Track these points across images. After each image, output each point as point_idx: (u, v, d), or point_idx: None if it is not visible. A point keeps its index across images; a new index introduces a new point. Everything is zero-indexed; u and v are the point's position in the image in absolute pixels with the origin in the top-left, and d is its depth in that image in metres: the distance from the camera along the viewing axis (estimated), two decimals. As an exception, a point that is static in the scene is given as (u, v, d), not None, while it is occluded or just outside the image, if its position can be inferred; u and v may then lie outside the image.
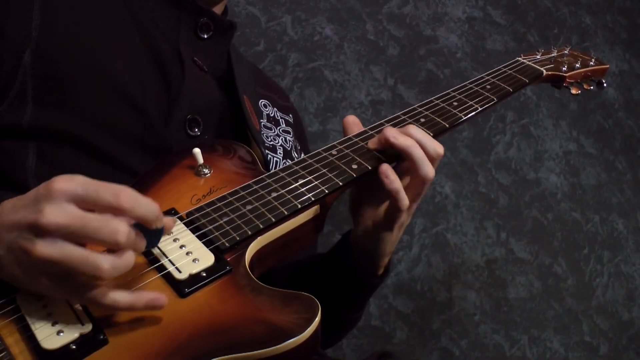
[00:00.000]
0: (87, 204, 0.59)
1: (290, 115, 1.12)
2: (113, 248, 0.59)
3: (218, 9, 0.98)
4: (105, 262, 0.58)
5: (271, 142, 1.01)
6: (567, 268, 2.03)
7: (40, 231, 0.57)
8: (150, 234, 0.63)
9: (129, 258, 0.60)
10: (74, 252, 0.57)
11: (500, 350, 1.85)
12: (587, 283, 2.04)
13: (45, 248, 0.57)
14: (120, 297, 0.61)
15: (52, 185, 0.58)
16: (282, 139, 1.04)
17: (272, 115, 1.07)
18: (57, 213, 0.57)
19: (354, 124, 0.88)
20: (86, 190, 0.58)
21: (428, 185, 0.79)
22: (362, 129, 0.88)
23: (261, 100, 1.07)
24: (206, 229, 0.72)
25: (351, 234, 0.89)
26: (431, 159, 0.79)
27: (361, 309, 0.99)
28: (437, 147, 0.79)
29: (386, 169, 0.78)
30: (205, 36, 0.95)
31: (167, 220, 0.65)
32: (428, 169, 0.78)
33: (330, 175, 0.80)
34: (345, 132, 0.88)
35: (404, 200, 0.78)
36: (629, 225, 2.18)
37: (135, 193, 0.61)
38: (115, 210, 0.59)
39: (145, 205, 0.61)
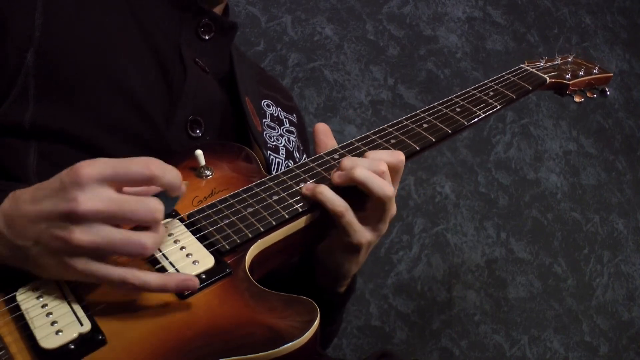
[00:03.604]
0: (119, 183, 0.60)
1: (294, 115, 1.12)
2: (149, 225, 0.61)
3: (218, 9, 0.98)
4: (148, 240, 0.60)
5: (274, 142, 1.00)
6: (567, 268, 2.03)
7: (77, 219, 0.57)
8: (167, 202, 0.64)
9: (164, 231, 0.63)
10: (116, 236, 0.58)
11: (500, 350, 1.85)
12: (587, 283, 2.04)
13: (85, 235, 0.57)
14: (151, 278, 0.62)
15: (78, 171, 0.58)
16: (285, 139, 1.03)
17: (275, 114, 1.06)
18: (93, 199, 0.57)
19: (326, 132, 0.85)
20: (115, 169, 0.59)
21: (388, 203, 0.75)
22: (331, 138, 0.85)
23: (264, 100, 1.06)
24: (207, 231, 0.72)
25: (314, 252, 0.87)
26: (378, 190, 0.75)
27: (334, 322, 0.97)
28: (384, 187, 0.75)
29: (305, 188, 0.76)
30: (207, 37, 0.94)
31: (183, 186, 0.66)
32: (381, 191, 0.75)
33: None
34: (318, 141, 0.85)
35: (338, 205, 0.74)
36: (629, 225, 2.18)
37: (161, 161, 0.62)
38: (149, 180, 0.60)
39: (172, 172, 0.62)
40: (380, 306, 1.79)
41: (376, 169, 0.75)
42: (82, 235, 0.57)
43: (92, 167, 0.58)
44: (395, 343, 1.77)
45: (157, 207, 0.60)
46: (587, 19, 2.45)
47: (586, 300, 2.01)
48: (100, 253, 0.59)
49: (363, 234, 0.77)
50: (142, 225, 0.61)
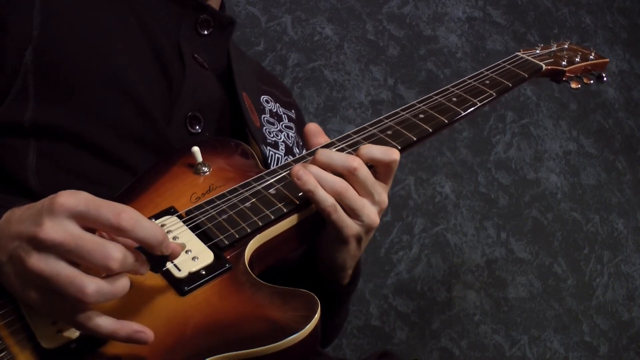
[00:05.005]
0: (88, 222, 0.57)
1: (293, 111, 1.12)
2: (105, 273, 0.58)
3: (215, 4, 0.98)
4: (90, 286, 0.56)
5: (273, 138, 1.00)
6: (567, 268, 2.03)
7: (38, 245, 0.56)
8: (155, 258, 0.61)
9: (121, 285, 0.58)
10: (63, 271, 0.56)
11: (500, 350, 1.85)
12: (587, 283, 2.04)
13: (38, 262, 0.56)
14: (104, 322, 0.59)
15: (55, 200, 0.57)
16: (284, 135, 1.03)
17: (274, 110, 1.06)
18: (56, 229, 0.56)
19: (317, 134, 0.84)
20: (88, 207, 0.57)
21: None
22: (323, 136, 0.85)
23: (263, 96, 1.06)
24: (205, 227, 0.72)
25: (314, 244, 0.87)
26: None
27: (337, 315, 0.96)
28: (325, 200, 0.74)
29: (297, 170, 0.74)
30: (206, 32, 0.94)
31: (175, 246, 0.62)
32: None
33: None
34: (309, 144, 0.84)
35: (325, 201, 0.73)
36: (629, 225, 2.18)
37: (139, 214, 0.59)
38: (115, 230, 0.58)
39: (147, 228, 0.58)
40: (380, 306, 1.78)
41: (349, 165, 0.74)
42: (35, 261, 0.56)
43: (69, 198, 0.57)
44: (395, 343, 1.77)
45: (113, 255, 0.56)
46: (587, 19, 2.45)
47: (586, 300, 2.01)
48: (49, 285, 0.57)
49: (351, 227, 0.76)
50: (97, 270, 0.57)
